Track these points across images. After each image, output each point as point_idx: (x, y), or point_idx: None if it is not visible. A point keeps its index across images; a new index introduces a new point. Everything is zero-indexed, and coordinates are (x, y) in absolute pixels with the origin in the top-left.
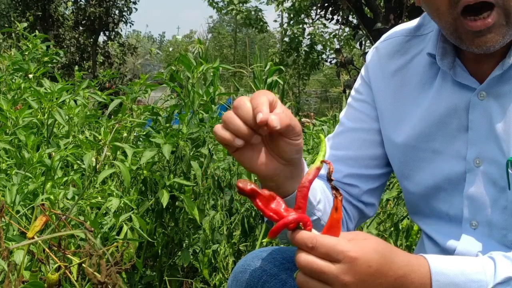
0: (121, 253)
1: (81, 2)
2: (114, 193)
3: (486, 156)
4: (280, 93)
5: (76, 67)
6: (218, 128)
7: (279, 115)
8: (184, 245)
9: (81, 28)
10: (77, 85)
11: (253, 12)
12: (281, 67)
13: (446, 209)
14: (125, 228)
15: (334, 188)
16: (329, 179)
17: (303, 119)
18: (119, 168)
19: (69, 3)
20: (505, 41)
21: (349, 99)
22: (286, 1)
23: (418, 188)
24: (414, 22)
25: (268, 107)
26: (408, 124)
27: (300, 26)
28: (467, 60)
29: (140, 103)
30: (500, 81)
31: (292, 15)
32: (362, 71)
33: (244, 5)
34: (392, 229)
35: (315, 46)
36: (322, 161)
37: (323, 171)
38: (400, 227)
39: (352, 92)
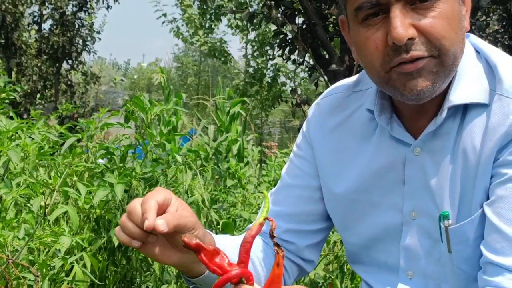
0: None
1: (44, 31)
2: (65, 233)
3: (421, 209)
4: (242, 125)
5: (38, 95)
6: (117, 231)
7: (166, 218)
8: (135, 283)
9: (44, 56)
10: (31, 123)
11: (218, 43)
12: (245, 98)
13: (384, 258)
14: (75, 267)
15: (276, 244)
16: (271, 235)
17: (265, 150)
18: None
19: (33, 31)
20: (434, 90)
21: (291, 155)
22: (250, 33)
23: (358, 239)
24: (354, 78)
25: (155, 211)
26: (348, 177)
27: (264, 58)
28: (403, 117)
29: (109, 134)
30: (433, 137)
31: (256, 47)
32: (304, 126)
33: (209, 35)
34: (338, 271)
35: (277, 78)
36: (265, 218)
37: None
38: (346, 269)
39: (294, 147)
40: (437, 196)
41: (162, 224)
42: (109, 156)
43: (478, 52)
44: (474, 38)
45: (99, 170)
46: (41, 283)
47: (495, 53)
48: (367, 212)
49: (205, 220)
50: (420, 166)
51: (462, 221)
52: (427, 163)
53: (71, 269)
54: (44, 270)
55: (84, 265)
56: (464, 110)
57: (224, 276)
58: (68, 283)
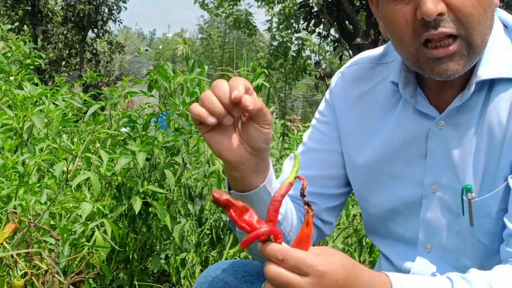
0: (85, 262)
1: None
2: (87, 199)
3: (443, 183)
4: (265, 97)
5: (63, 63)
6: (195, 105)
7: (253, 98)
8: (155, 250)
9: (70, 24)
10: (56, 90)
11: (243, 16)
12: (266, 70)
13: (402, 232)
14: (96, 233)
15: (306, 203)
16: (302, 194)
17: (288, 123)
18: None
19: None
20: (464, 71)
21: (313, 121)
22: (276, 6)
23: (376, 210)
24: (380, 50)
25: (243, 88)
26: (369, 148)
27: (289, 31)
28: (428, 90)
29: (132, 103)
30: (459, 111)
31: (281, 20)
32: (327, 94)
33: (235, 7)
34: (356, 244)
35: (302, 52)
36: (295, 177)
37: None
38: (364, 243)
39: (316, 114)
40: (459, 170)
41: (249, 99)
42: (131, 124)
43: (505, 26)
44: (502, 12)
45: (122, 138)
46: (62, 247)
47: None
48: (387, 183)
49: (226, 189)
50: (444, 139)
51: (485, 195)
52: (451, 136)
53: (91, 235)
54: (65, 235)
55: (105, 232)
56: (490, 84)
57: (253, 233)
58: (88, 249)
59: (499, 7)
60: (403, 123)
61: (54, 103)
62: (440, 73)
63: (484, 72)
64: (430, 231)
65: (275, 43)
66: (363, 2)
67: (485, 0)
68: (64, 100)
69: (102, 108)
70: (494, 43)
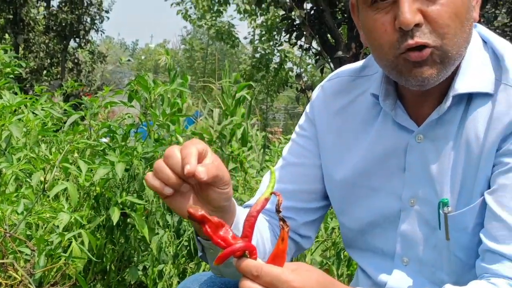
0: (61, 273)
1: (53, 8)
2: (64, 209)
3: (420, 196)
4: (247, 109)
5: (45, 72)
6: (149, 177)
7: (206, 166)
8: (133, 262)
9: (51, 33)
10: (35, 99)
11: (225, 27)
12: (251, 83)
13: (380, 244)
14: (73, 244)
15: (281, 219)
16: (277, 210)
17: (269, 135)
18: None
19: (41, 8)
20: (439, 79)
21: (293, 135)
22: (258, 18)
23: (354, 224)
24: (360, 63)
25: (196, 158)
26: (349, 162)
27: (271, 43)
28: (407, 103)
29: (113, 113)
30: (437, 125)
31: (263, 32)
32: (307, 108)
33: (217, 19)
34: (335, 257)
35: (284, 64)
36: (271, 193)
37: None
38: (342, 256)
39: (296, 128)
40: (437, 184)
41: (203, 171)
42: (111, 135)
43: (485, 42)
44: (481, 28)
45: (101, 148)
46: (38, 258)
47: (502, 44)
48: (365, 196)
49: None
50: (422, 153)
51: (462, 209)
52: (429, 150)
53: (69, 246)
54: (41, 245)
55: (82, 242)
56: (468, 99)
57: (228, 249)
58: (65, 259)
59: (479, 22)
60: (383, 135)
61: (33, 112)
62: (416, 75)
63: (462, 86)
64: (407, 244)
65: (257, 55)
66: (345, 15)
67: (463, 13)
68: (44, 110)
69: (83, 118)
70: (472, 57)
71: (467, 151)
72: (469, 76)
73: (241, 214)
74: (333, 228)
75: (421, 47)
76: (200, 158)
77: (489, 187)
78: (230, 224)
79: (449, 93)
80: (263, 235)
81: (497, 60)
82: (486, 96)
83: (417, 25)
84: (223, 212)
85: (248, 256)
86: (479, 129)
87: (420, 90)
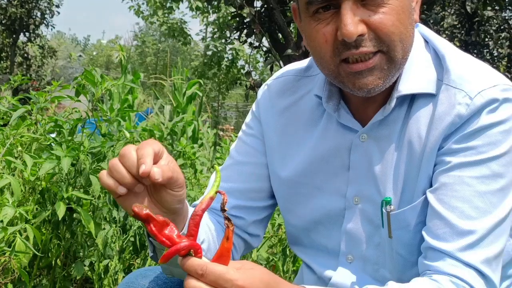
0: (1, 267)
1: (2, 1)
2: (9, 203)
3: (364, 195)
4: (198, 106)
5: None
6: (103, 175)
7: (162, 168)
8: (79, 257)
9: (1, 27)
10: None
11: (177, 24)
12: (200, 80)
13: (324, 242)
14: (17, 239)
15: (226, 218)
16: (222, 209)
17: (221, 133)
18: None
19: None
20: (385, 86)
21: (240, 133)
22: (210, 15)
23: (299, 222)
24: (305, 62)
25: (152, 158)
26: (294, 161)
27: (223, 41)
28: (351, 103)
29: (63, 108)
30: (380, 125)
31: (215, 30)
32: (253, 106)
33: (169, 16)
34: (281, 253)
35: (236, 62)
36: (216, 192)
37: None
38: (288, 252)
39: (243, 126)
40: (380, 183)
41: (158, 172)
42: (58, 129)
43: (426, 41)
44: (422, 27)
45: (48, 142)
46: None
47: (443, 44)
48: (310, 195)
49: None
50: (366, 152)
51: (404, 207)
52: (372, 150)
53: (13, 241)
54: None
55: (27, 237)
56: (411, 99)
57: (173, 248)
58: (8, 254)
59: (426, 23)
60: (327, 135)
61: None
62: (360, 87)
63: (405, 87)
64: (351, 242)
65: (209, 53)
66: None
67: (406, 18)
68: None
69: (31, 113)
70: (415, 58)
71: (410, 150)
72: (412, 77)
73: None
74: (279, 225)
75: (365, 55)
76: (156, 159)
77: (431, 186)
78: (182, 226)
79: (393, 94)
80: (213, 234)
81: (438, 60)
82: (428, 96)
83: (361, 35)
84: (176, 214)
85: (193, 254)
86: (422, 129)
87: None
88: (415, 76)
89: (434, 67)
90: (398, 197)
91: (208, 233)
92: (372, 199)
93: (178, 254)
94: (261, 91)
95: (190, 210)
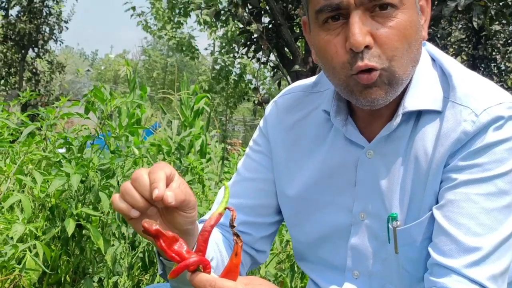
0: (13, 285)
1: (11, 17)
2: (19, 220)
3: (370, 211)
4: (206, 120)
5: (2, 82)
6: (116, 199)
7: (174, 191)
8: (88, 273)
9: (10, 43)
10: None
11: (186, 39)
12: (207, 94)
13: (331, 258)
14: (27, 255)
15: (235, 234)
16: (231, 225)
17: (229, 147)
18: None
19: None
20: (388, 99)
21: (247, 150)
22: (218, 30)
23: (306, 238)
24: (313, 79)
25: (164, 183)
26: (301, 177)
27: (231, 55)
28: (358, 119)
29: (72, 124)
30: (386, 141)
31: (223, 44)
32: (261, 123)
33: (178, 30)
34: (289, 269)
35: (244, 76)
36: (225, 208)
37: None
38: (296, 268)
39: (251, 143)
40: (386, 199)
41: (171, 196)
42: (67, 146)
43: (433, 60)
44: (430, 46)
45: (57, 159)
46: None
47: (450, 62)
48: (316, 211)
49: None
50: (372, 168)
51: (410, 223)
52: (379, 165)
53: (23, 257)
54: None
55: (37, 254)
56: (417, 116)
57: (182, 263)
58: (19, 271)
59: (433, 39)
60: (334, 151)
61: None
62: (366, 96)
63: (411, 103)
64: (357, 258)
65: (217, 67)
66: (302, 30)
67: (412, 34)
68: None
69: (40, 129)
70: (421, 75)
71: (416, 167)
72: (418, 94)
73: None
74: (287, 241)
75: (370, 69)
76: (167, 182)
77: (437, 202)
78: (192, 245)
79: (398, 110)
80: (222, 251)
81: (445, 77)
82: (434, 113)
83: (367, 47)
84: (188, 235)
85: (202, 270)
86: (428, 146)
87: (370, 109)
88: (422, 93)
89: (440, 84)
90: (405, 213)
91: (217, 250)
92: (378, 215)
93: (187, 269)
94: (268, 107)
95: (199, 226)
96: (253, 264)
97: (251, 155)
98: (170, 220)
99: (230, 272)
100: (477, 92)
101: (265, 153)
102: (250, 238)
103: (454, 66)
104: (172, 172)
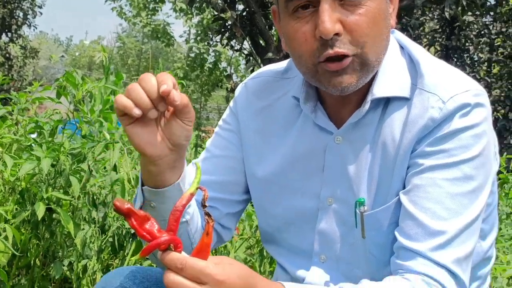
0: None
1: None
2: None
3: (338, 196)
4: None
5: None
6: (120, 96)
7: (180, 94)
8: (58, 257)
9: None
10: None
11: (161, 26)
12: (182, 82)
13: (297, 242)
14: None
15: (207, 213)
16: (203, 205)
17: (203, 134)
18: None
19: None
20: (358, 85)
21: (217, 128)
22: (194, 17)
23: (272, 221)
24: (284, 64)
25: (172, 83)
26: (269, 160)
27: (206, 43)
28: (327, 106)
29: (46, 109)
30: (355, 128)
31: (199, 32)
32: (231, 103)
33: (153, 17)
34: (258, 254)
35: (219, 64)
36: (197, 188)
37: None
38: (265, 253)
39: (220, 122)
40: (354, 184)
41: (177, 94)
42: (38, 130)
43: (402, 47)
44: (398, 34)
45: (28, 143)
46: None
47: (418, 50)
48: (284, 195)
49: (129, 198)
50: (340, 154)
51: (378, 208)
52: (347, 151)
53: None
54: None
55: (6, 237)
56: (385, 103)
57: (153, 242)
58: None
59: (406, 29)
60: (303, 137)
61: None
62: (335, 85)
63: (379, 90)
64: (325, 242)
65: (192, 54)
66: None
67: (381, 22)
68: None
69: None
70: (390, 63)
71: (384, 153)
72: (386, 81)
73: (188, 169)
74: (257, 226)
75: (340, 57)
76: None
77: (404, 188)
78: (175, 178)
79: (367, 97)
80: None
81: (413, 65)
82: (402, 100)
83: (337, 35)
84: (179, 153)
85: (173, 249)
86: (395, 132)
87: (340, 95)
88: (390, 80)
89: (408, 72)
90: (372, 198)
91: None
92: (346, 200)
93: (158, 248)
94: (239, 89)
95: (188, 169)
96: (218, 241)
97: (220, 133)
98: (167, 131)
99: (201, 251)
100: (444, 80)
101: (235, 132)
102: (218, 213)
103: (422, 54)
104: (176, 83)
